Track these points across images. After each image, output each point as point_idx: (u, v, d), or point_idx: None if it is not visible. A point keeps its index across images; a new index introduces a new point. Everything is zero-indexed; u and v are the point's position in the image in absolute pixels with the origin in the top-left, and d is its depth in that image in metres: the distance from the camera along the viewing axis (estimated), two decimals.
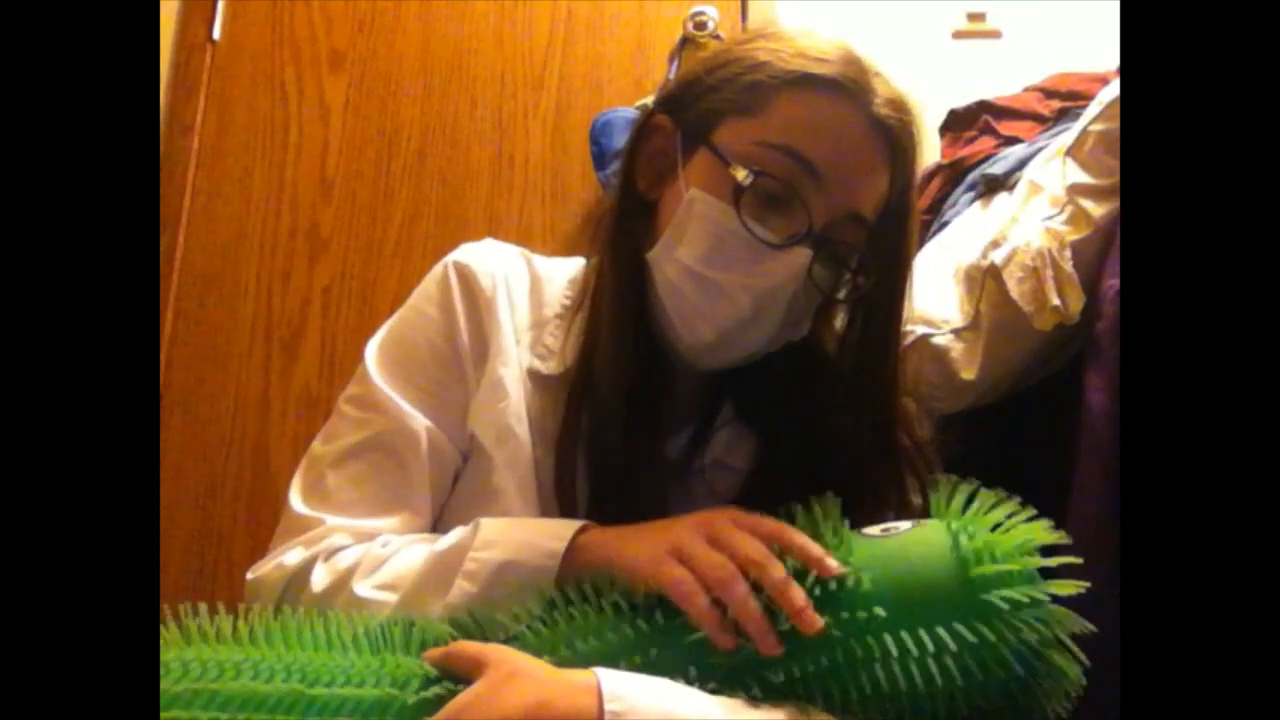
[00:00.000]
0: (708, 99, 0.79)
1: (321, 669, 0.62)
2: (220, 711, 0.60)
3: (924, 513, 0.74)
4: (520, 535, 0.71)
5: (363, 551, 0.76)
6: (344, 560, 0.76)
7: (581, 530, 0.71)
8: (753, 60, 0.78)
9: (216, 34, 1.92)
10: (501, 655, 0.60)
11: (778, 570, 0.62)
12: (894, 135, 0.77)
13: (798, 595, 0.61)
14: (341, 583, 0.74)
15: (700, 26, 1.74)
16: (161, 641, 0.64)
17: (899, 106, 0.77)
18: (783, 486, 0.77)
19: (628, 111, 1.72)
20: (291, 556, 0.77)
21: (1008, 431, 1.02)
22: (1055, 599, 0.61)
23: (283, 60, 1.92)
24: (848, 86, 0.76)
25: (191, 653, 0.63)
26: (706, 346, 0.78)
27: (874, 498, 0.79)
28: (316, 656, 0.63)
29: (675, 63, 1.75)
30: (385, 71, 1.92)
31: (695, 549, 0.64)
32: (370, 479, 0.80)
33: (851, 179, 0.76)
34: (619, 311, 0.80)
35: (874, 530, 0.65)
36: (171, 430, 1.77)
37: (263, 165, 1.88)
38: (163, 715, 0.59)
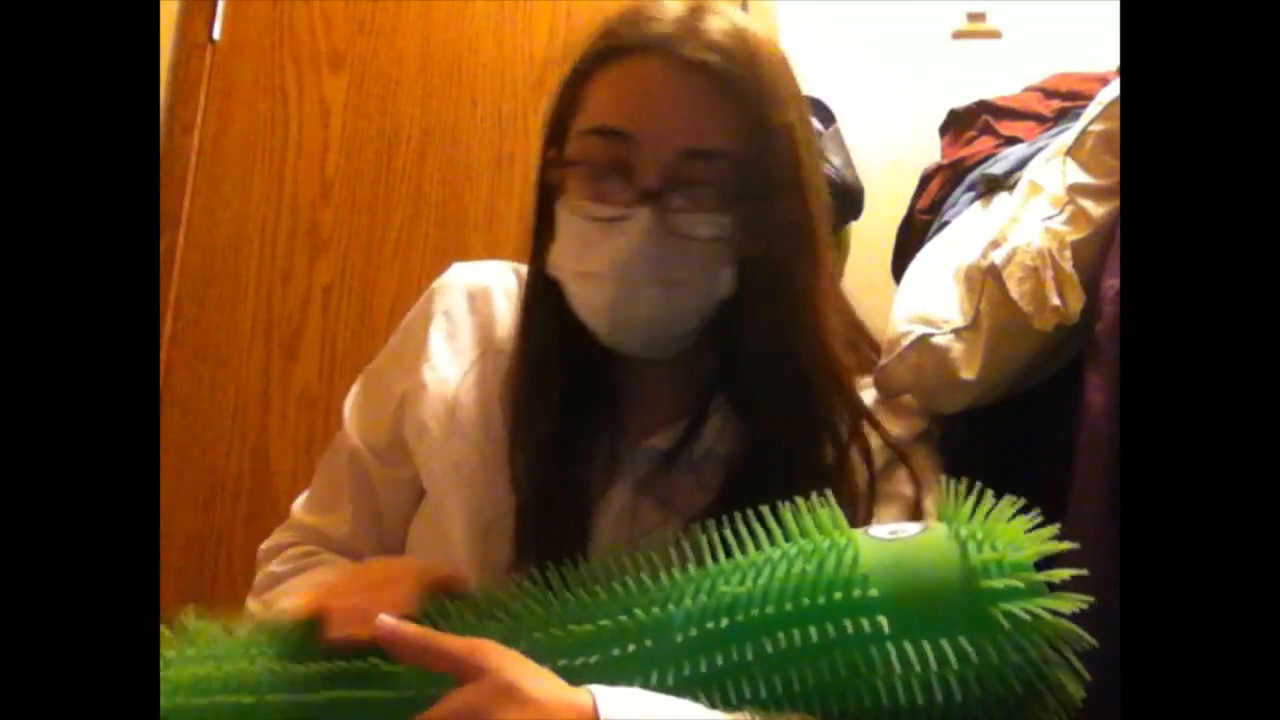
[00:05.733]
0: (556, 118, 0.83)
1: (312, 646, 0.63)
2: (217, 694, 0.62)
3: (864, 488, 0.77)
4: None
5: (274, 566, 0.88)
6: (271, 566, 0.88)
7: None
8: (572, 59, 0.82)
9: (216, 34, 1.92)
10: (498, 661, 0.56)
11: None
12: (715, 66, 0.75)
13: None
14: (258, 589, 0.87)
15: None
16: (163, 640, 0.65)
17: (723, 37, 0.76)
18: (765, 476, 0.77)
19: None
20: (265, 543, 0.92)
21: (1008, 431, 1.02)
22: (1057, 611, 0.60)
23: (283, 60, 1.92)
24: (644, 44, 0.76)
25: (191, 650, 0.65)
26: (610, 332, 0.79)
27: (848, 483, 0.79)
28: (311, 640, 0.64)
29: None
30: (385, 71, 1.92)
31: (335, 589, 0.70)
32: (322, 482, 0.93)
33: (669, 124, 0.75)
34: (535, 323, 0.84)
35: (881, 532, 0.64)
36: (171, 430, 1.77)
37: (263, 165, 1.88)
38: (167, 702, 0.60)
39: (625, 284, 0.76)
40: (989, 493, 0.64)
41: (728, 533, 0.66)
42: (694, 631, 0.61)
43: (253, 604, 0.86)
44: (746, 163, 0.76)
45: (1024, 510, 0.62)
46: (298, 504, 0.93)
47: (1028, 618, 0.57)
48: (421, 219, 1.87)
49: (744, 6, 1.90)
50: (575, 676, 0.59)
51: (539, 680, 0.56)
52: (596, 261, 0.77)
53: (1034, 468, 0.94)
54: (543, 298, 0.83)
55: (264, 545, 0.92)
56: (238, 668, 0.63)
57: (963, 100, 1.32)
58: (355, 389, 0.93)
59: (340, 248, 1.86)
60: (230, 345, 1.82)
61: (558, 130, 0.83)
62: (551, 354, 0.82)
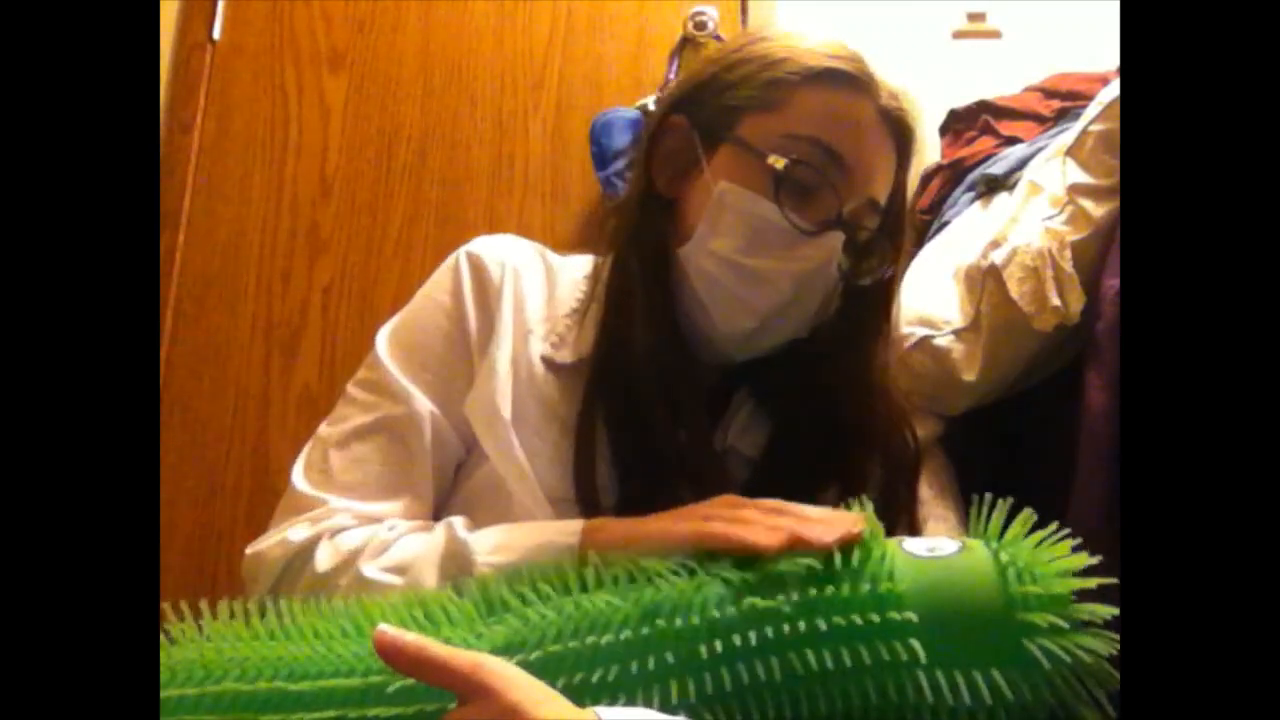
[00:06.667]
0: (726, 96, 0.81)
1: (309, 663, 0.60)
2: (207, 714, 0.59)
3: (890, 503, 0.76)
4: (530, 539, 0.71)
5: (369, 533, 0.76)
6: (348, 541, 0.75)
7: (586, 527, 0.71)
8: (771, 57, 0.81)
9: (216, 34, 1.92)
10: (502, 681, 0.52)
11: (793, 517, 0.63)
12: (899, 125, 0.82)
13: (814, 526, 0.61)
14: (347, 563, 0.74)
15: (700, 27, 1.74)
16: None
17: (901, 98, 0.82)
18: (793, 475, 0.77)
19: (628, 111, 1.72)
20: (296, 533, 0.76)
21: (1008, 431, 1.02)
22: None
23: (283, 60, 1.92)
24: (861, 80, 0.80)
25: (178, 655, 0.62)
26: (745, 334, 0.80)
27: (883, 493, 0.80)
28: (304, 648, 0.61)
29: (675, 63, 1.75)
30: (385, 71, 1.92)
31: (717, 511, 0.66)
32: (374, 462, 0.80)
33: (870, 167, 0.80)
34: (649, 305, 0.81)
35: (919, 548, 0.61)
36: (171, 430, 1.77)
37: (263, 165, 1.88)
38: None
39: (797, 296, 0.79)
40: (1031, 515, 0.62)
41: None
42: (719, 646, 0.57)
43: (355, 575, 0.73)
44: (884, 221, 0.83)
45: (1060, 532, 0.61)
46: (314, 488, 0.79)
47: (1066, 657, 0.55)
48: (421, 219, 1.87)
49: (744, 7, 1.90)
50: (587, 694, 0.55)
51: (544, 703, 0.52)
52: (772, 265, 0.78)
53: (1034, 468, 0.94)
54: (654, 282, 0.81)
55: (295, 537, 0.76)
56: (233, 688, 0.59)
57: (963, 100, 1.32)
58: (403, 360, 0.83)
59: (340, 248, 1.86)
60: (230, 345, 1.82)
61: (715, 110, 0.82)
62: (663, 358, 0.81)
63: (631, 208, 0.85)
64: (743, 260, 0.78)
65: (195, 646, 0.63)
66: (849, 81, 0.80)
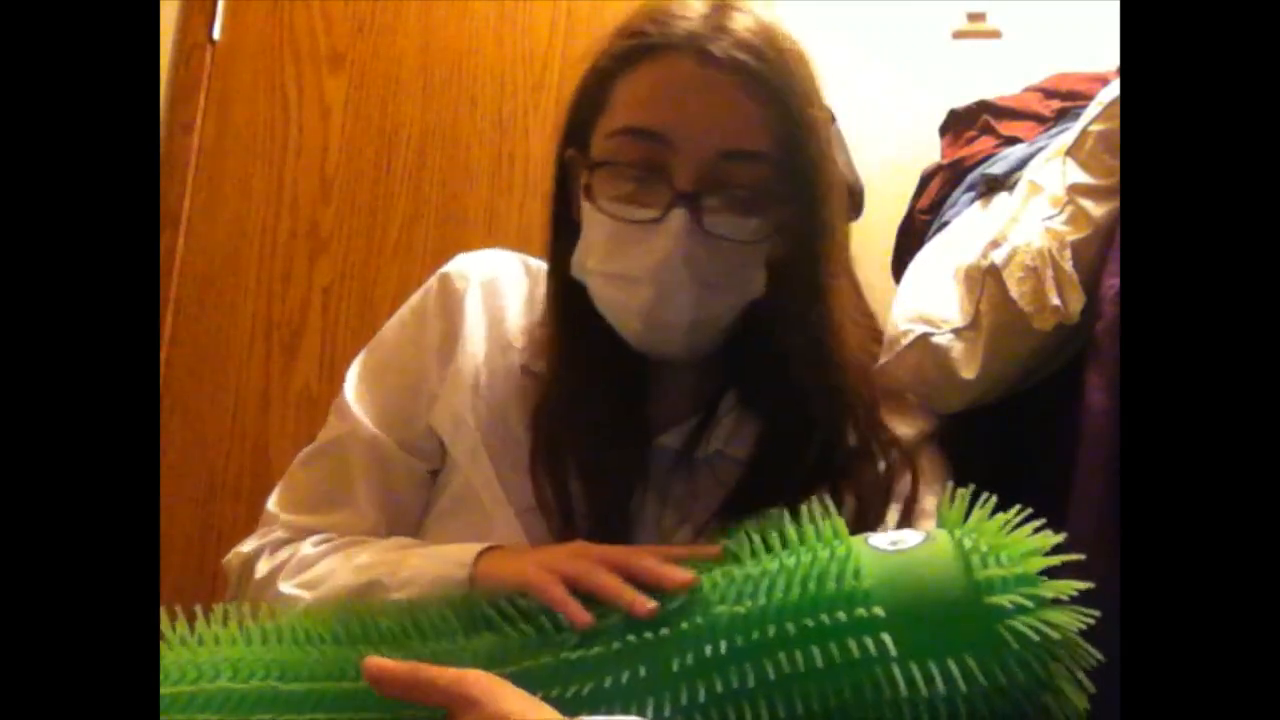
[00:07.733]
0: (578, 117, 0.82)
1: (300, 665, 0.61)
2: (199, 713, 0.60)
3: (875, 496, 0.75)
4: (431, 571, 0.72)
5: (294, 548, 0.81)
6: (282, 555, 0.82)
7: (484, 553, 0.72)
8: (593, 63, 0.81)
9: (216, 34, 1.92)
10: (488, 692, 0.53)
11: (639, 559, 0.64)
12: (748, 66, 0.75)
13: (655, 570, 0.62)
14: (273, 576, 0.80)
15: None
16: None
17: (751, 35, 0.76)
18: (782, 476, 0.77)
19: None
20: (246, 545, 0.85)
21: (1008, 431, 1.02)
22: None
23: (283, 60, 1.92)
24: (673, 43, 0.76)
25: (171, 657, 0.64)
26: (644, 335, 0.79)
27: (865, 488, 0.79)
28: (295, 652, 0.63)
29: None
30: (385, 71, 1.92)
31: (557, 558, 0.66)
32: (319, 480, 0.87)
33: (703, 126, 0.75)
34: (574, 323, 0.82)
35: (882, 542, 0.61)
36: (171, 430, 1.77)
37: (263, 165, 1.88)
38: None
39: (661, 287, 0.76)
40: (992, 499, 0.62)
41: (725, 544, 0.63)
42: (690, 658, 0.57)
43: (274, 590, 0.79)
44: (781, 163, 0.76)
45: (1023, 513, 0.61)
46: (275, 506, 0.88)
47: (1035, 636, 0.55)
48: (421, 219, 1.87)
49: None
50: (566, 708, 0.56)
51: (534, 709, 0.53)
52: (631, 264, 0.76)
53: (1034, 468, 0.94)
54: (573, 303, 0.82)
55: (246, 549, 0.85)
56: (226, 686, 0.61)
57: (963, 100, 1.32)
58: (361, 381, 0.88)
59: (340, 248, 1.86)
60: (230, 345, 1.82)
61: (579, 130, 0.82)
62: (596, 367, 0.81)
63: (547, 238, 0.86)
64: (609, 269, 0.78)
65: (190, 649, 0.64)
66: (650, 51, 0.76)
